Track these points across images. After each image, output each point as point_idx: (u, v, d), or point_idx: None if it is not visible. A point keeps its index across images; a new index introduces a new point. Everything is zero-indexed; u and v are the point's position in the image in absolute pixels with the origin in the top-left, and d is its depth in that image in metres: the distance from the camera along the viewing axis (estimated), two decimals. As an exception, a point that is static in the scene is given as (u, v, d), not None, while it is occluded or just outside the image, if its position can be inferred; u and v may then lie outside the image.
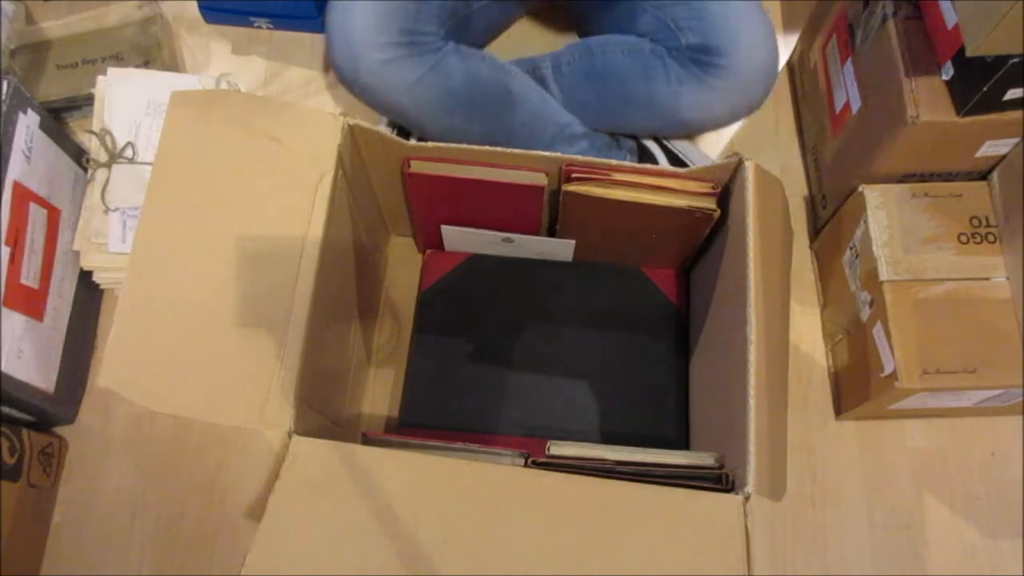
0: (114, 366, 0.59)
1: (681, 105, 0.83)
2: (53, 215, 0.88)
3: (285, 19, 1.08)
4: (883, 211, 0.82)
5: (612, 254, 0.88)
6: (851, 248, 0.86)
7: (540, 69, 0.94)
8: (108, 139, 0.89)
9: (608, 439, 0.82)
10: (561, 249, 0.88)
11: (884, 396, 0.79)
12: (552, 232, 0.86)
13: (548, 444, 0.63)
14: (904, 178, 0.83)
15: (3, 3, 0.96)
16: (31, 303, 0.84)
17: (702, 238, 0.78)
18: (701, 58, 0.80)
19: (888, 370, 0.77)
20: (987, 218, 0.82)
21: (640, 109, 0.86)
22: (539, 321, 0.88)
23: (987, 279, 0.80)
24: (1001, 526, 0.87)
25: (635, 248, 0.85)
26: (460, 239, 0.88)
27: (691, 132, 0.75)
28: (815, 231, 0.98)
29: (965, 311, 0.78)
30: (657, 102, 0.84)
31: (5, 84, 0.81)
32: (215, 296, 0.62)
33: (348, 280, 0.77)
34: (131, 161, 0.89)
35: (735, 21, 0.78)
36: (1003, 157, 0.80)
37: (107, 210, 0.87)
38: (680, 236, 0.79)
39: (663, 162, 0.92)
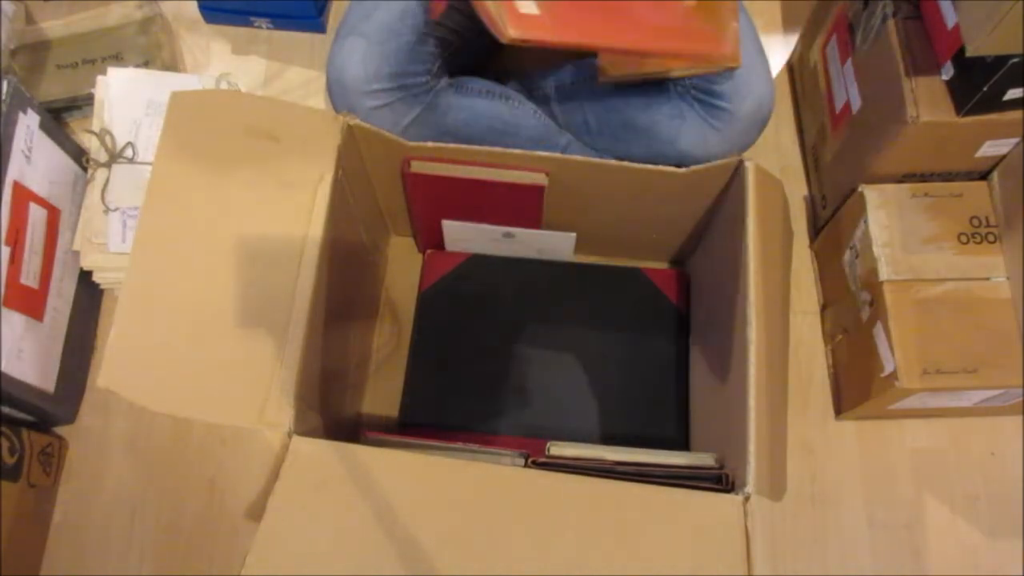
0: (114, 366, 0.59)
1: (680, 139, 0.84)
2: (53, 215, 0.88)
3: (285, 19, 1.08)
4: (883, 211, 0.82)
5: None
6: (851, 248, 0.86)
7: (542, 88, 0.93)
8: (108, 139, 0.89)
9: (608, 439, 0.82)
10: (562, 243, 0.88)
11: (884, 396, 0.79)
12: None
13: (548, 444, 0.63)
14: (904, 178, 0.83)
15: (3, 3, 0.96)
16: (31, 303, 0.84)
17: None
18: (706, 99, 0.81)
19: (888, 370, 0.77)
20: (987, 218, 0.82)
21: (639, 137, 0.87)
22: (539, 321, 0.88)
23: (987, 279, 0.80)
24: (1001, 526, 0.87)
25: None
26: (461, 234, 0.88)
27: (685, 164, 0.76)
28: (815, 231, 0.98)
29: (965, 311, 0.78)
30: (657, 132, 0.85)
31: (5, 84, 0.80)
32: (215, 296, 0.62)
33: (348, 280, 0.77)
34: (131, 161, 0.89)
35: (743, 68, 0.79)
36: (1003, 157, 0.80)
37: (107, 210, 0.87)
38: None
39: None
